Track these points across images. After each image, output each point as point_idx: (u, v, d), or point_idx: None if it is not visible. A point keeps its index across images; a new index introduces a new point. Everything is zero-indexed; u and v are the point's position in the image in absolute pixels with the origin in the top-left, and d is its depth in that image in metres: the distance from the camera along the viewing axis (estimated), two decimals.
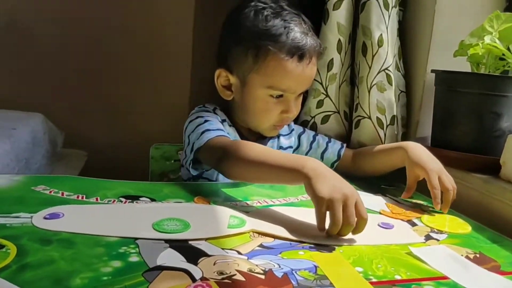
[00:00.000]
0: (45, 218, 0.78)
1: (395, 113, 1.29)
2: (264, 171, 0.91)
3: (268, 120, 1.12)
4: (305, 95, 1.33)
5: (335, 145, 1.29)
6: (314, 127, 1.36)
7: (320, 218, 0.80)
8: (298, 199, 1.02)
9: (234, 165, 0.94)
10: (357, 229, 0.80)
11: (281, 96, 1.08)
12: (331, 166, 1.24)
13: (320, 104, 1.36)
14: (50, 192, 0.92)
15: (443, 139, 1.23)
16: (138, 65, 2.03)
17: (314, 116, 1.37)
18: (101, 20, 1.95)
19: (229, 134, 1.10)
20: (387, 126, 1.30)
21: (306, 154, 1.25)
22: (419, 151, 1.08)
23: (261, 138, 1.19)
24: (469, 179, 1.14)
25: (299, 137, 1.28)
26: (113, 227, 0.78)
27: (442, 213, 1.02)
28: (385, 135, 1.30)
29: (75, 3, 1.93)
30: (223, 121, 1.13)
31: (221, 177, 1.08)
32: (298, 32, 1.06)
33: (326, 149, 1.28)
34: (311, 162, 0.85)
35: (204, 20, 1.71)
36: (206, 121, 1.07)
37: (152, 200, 0.94)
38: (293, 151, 1.26)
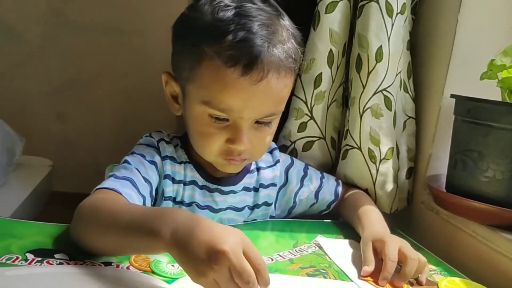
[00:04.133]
0: None
1: (393, 145, 1.14)
2: (112, 239, 0.74)
3: (210, 149, 0.91)
4: (286, 115, 1.19)
5: (330, 182, 1.15)
6: (293, 155, 1.21)
7: None
8: (278, 257, 0.89)
9: (82, 234, 0.78)
10: (262, 283, 0.64)
11: (226, 119, 0.87)
12: (327, 208, 1.14)
13: (302, 127, 1.21)
14: None
15: (462, 184, 1.05)
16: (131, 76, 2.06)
17: (294, 142, 1.22)
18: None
19: (175, 174, 0.96)
20: (381, 160, 1.14)
21: (297, 192, 1.11)
22: (377, 228, 0.96)
23: (232, 175, 1.02)
24: (497, 240, 0.98)
25: (286, 171, 1.10)
26: None
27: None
28: (377, 171, 1.15)
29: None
30: (164, 158, 0.96)
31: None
32: (256, 33, 0.83)
33: (320, 187, 1.13)
34: (170, 220, 0.66)
35: None
36: (125, 161, 0.91)
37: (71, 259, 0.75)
38: (279, 190, 1.09)
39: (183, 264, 0.64)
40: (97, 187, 0.83)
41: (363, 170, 1.15)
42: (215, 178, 1.00)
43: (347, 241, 1.00)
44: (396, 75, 1.13)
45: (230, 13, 0.84)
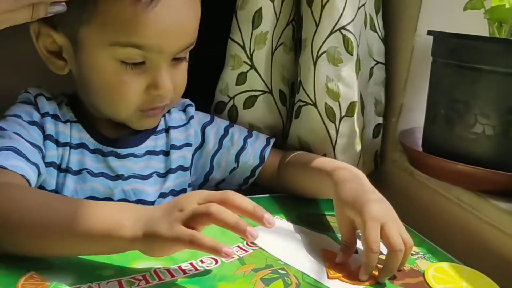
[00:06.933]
0: None
1: (355, 99, 0.97)
2: (37, 244, 0.64)
3: (126, 102, 0.81)
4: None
5: (257, 143, 0.99)
6: (234, 113, 1.03)
7: None
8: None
9: None
10: None
11: (142, 62, 0.78)
12: (252, 174, 0.99)
13: (242, 79, 1.02)
14: None
15: (443, 141, 0.94)
16: None
17: (233, 97, 1.03)
18: None
19: (58, 135, 0.84)
20: (341, 118, 0.97)
21: (215, 154, 0.97)
22: (352, 185, 0.80)
23: (133, 133, 0.90)
24: (486, 208, 0.88)
25: (203, 129, 0.97)
26: None
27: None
28: (337, 132, 0.97)
29: None
30: (44, 114, 0.83)
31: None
32: None
33: (243, 147, 0.98)
34: (132, 212, 0.63)
35: None
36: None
37: None
38: (194, 152, 0.96)
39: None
40: None
41: (320, 131, 0.97)
42: (110, 140, 0.88)
43: (293, 227, 0.85)
44: (359, 8, 0.94)
45: None
